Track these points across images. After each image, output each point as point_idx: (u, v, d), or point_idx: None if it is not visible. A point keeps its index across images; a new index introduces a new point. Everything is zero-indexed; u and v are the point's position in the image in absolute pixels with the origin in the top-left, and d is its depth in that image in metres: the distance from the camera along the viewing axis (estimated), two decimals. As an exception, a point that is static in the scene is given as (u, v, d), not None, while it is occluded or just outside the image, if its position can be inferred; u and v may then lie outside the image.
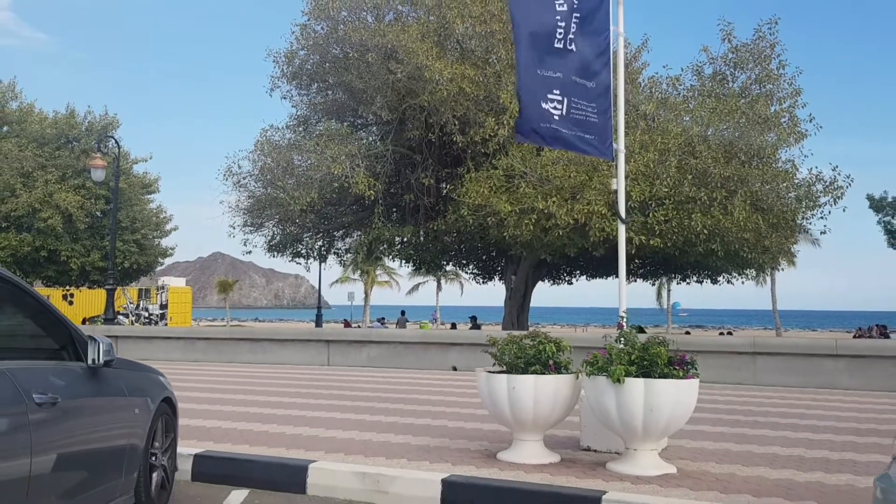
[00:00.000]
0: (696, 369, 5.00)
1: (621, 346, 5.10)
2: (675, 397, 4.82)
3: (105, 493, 3.83)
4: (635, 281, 27.55)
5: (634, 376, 4.85)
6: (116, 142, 21.57)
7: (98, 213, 34.93)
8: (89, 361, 3.84)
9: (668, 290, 50.40)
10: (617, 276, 6.47)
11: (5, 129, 35.89)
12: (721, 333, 38.09)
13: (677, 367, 4.92)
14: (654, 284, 41.27)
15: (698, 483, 4.77)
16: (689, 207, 16.69)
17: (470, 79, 18.28)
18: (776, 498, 4.42)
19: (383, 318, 43.26)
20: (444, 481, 4.78)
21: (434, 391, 10.16)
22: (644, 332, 14.86)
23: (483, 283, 27.65)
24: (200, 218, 33.44)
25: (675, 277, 29.06)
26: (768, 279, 42.47)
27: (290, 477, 5.18)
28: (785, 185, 17.88)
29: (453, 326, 38.45)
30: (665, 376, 4.86)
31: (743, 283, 24.53)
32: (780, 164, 18.45)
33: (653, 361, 4.86)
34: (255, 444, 6.01)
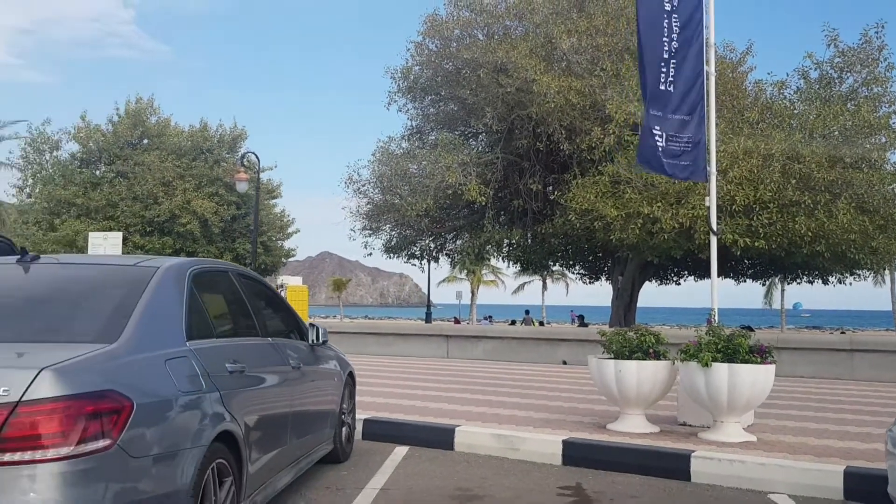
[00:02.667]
0: (772, 357, 6.06)
1: (709, 337, 6.21)
2: (753, 379, 5.91)
3: (320, 437, 5.30)
4: (744, 281, 27.71)
5: (720, 362, 5.96)
6: (256, 157, 23.84)
7: (229, 218, 37.75)
8: (310, 341, 5.34)
9: (782, 291, 49.49)
10: (725, 277, 7.60)
11: (146, 141, 39.33)
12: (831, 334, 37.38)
13: (756, 355, 6.00)
14: (763, 284, 40.88)
15: (772, 448, 5.86)
16: (793, 210, 17.20)
17: (576, 90, 19.33)
18: (835, 458, 5.45)
19: (490, 317, 44.62)
20: (564, 441, 6.05)
21: (547, 381, 11.39)
22: (753, 331, 15.55)
23: (589, 283, 28.53)
24: (310, 220, 35.77)
25: (785, 278, 29.04)
26: (887, 279, 41.25)
27: (441, 437, 6.57)
28: (892, 187, 18.05)
29: (541, 324, 39.46)
30: (746, 362, 5.95)
31: (850, 283, 24.41)
32: (888, 167, 18.61)
33: (735, 350, 5.96)
34: (407, 413, 7.46)
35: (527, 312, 37.34)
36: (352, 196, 24.73)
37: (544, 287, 55.95)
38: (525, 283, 61.59)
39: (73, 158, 38.44)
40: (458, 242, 26.80)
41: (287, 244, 41.70)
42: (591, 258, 27.02)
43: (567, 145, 19.91)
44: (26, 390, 2.50)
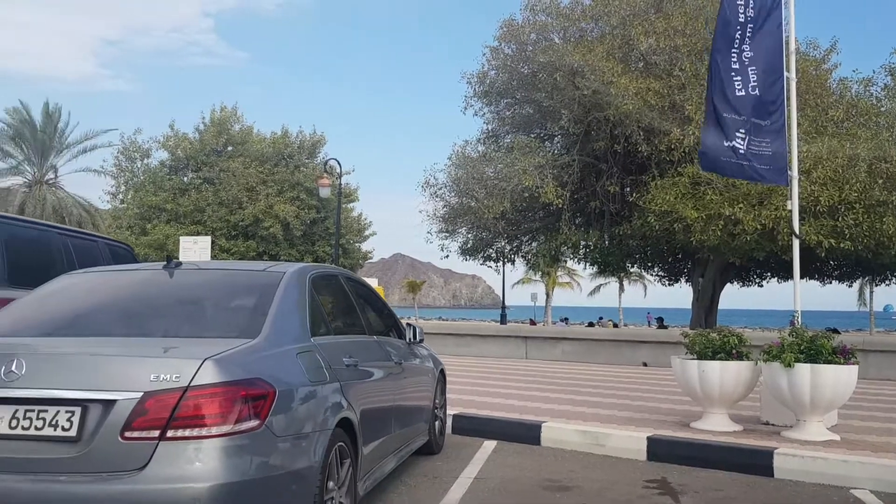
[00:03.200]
0: (855, 358, 6.15)
1: (792, 338, 6.34)
2: (835, 379, 6.02)
3: (417, 429, 5.69)
4: (830, 283, 27.01)
5: (803, 362, 6.09)
6: (338, 163, 24.61)
7: (309, 221, 38.84)
8: (407, 339, 5.74)
9: (870, 293, 47.80)
10: (810, 279, 7.70)
11: (230, 148, 40.83)
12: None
13: (839, 356, 6.11)
14: (850, 286, 39.62)
15: (855, 446, 5.95)
16: (881, 211, 16.80)
17: (655, 91, 19.31)
18: (921, 458, 5.53)
19: (566, 319, 44.55)
20: (649, 438, 6.29)
21: (628, 382, 11.54)
22: (838, 333, 15.29)
23: (669, 284, 28.30)
24: (382, 222, 36.56)
25: (874, 279, 28.16)
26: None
27: (527, 432, 6.89)
28: None
29: (615, 326, 39.24)
30: (829, 363, 6.06)
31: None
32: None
33: (818, 351, 6.08)
34: (493, 410, 7.80)
35: (600, 318, 37.25)
36: (428, 199, 25.22)
37: (621, 289, 55.46)
38: (601, 284, 61.18)
39: (163, 166, 40.25)
40: (534, 244, 26.99)
41: (364, 246, 42.71)
42: (670, 260, 26.80)
43: (645, 146, 19.90)
44: (193, 377, 2.95)
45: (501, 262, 28.92)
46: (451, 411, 7.45)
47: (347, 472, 3.84)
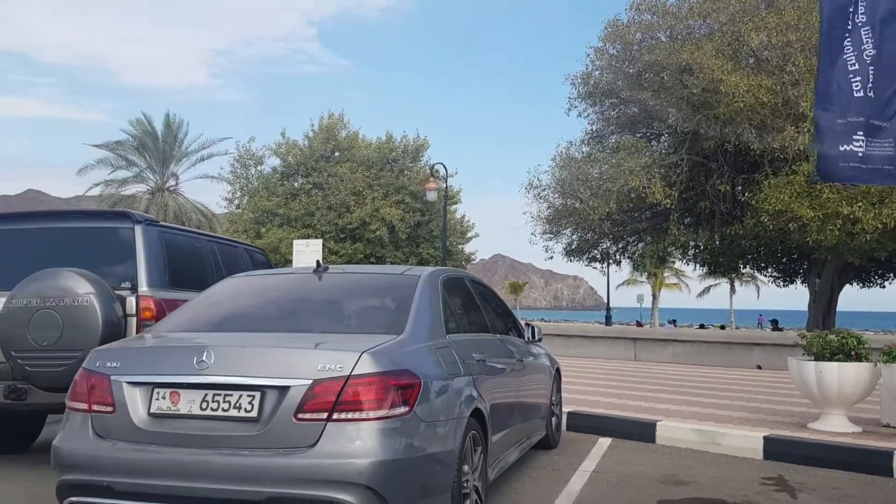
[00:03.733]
0: None
1: (916, 340, 6.27)
2: (963, 381, 5.92)
3: (536, 423, 6.00)
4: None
5: (927, 364, 6.02)
6: (444, 167, 25.20)
7: (414, 224, 39.70)
8: (526, 338, 6.06)
9: None
10: None
11: (337, 154, 42.21)
12: None
13: (968, 358, 6.00)
14: None
15: None
16: None
17: (766, 88, 18.84)
18: None
19: (674, 321, 43.69)
20: (765, 437, 6.36)
21: (742, 384, 11.45)
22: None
23: (783, 286, 27.42)
24: (482, 223, 36.86)
25: None
26: None
27: (642, 430, 7.07)
28: None
29: (721, 327, 38.08)
30: (957, 364, 5.97)
31: None
32: None
33: (944, 352, 6.00)
34: (608, 408, 8.01)
35: (673, 322, 36.35)
36: (532, 201, 25.41)
37: (732, 290, 53.81)
38: (711, 286, 59.50)
39: (275, 172, 42.08)
40: (641, 245, 26.74)
41: (466, 248, 43.28)
42: (784, 260, 25.98)
43: (757, 144, 19.44)
44: (354, 367, 3.37)
45: (606, 264, 28.77)
46: (565, 409, 7.71)
47: (479, 458, 4.19)
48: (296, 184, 41.72)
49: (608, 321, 38.56)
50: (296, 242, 23.91)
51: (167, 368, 3.54)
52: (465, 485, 3.91)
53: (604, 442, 6.98)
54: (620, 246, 26.85)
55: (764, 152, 19.54)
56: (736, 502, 4.95)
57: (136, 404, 3.51)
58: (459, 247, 42.26)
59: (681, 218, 23.18)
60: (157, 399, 3.50)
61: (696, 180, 22.85)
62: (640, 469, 5.90)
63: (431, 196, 23.54)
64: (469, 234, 42.62)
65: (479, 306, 5.29)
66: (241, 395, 3.42)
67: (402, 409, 3.42)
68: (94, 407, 3.57)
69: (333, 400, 3.32)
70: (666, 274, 56.25)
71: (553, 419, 6.65)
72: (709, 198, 22.06)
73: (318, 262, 4.72)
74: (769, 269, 27.56)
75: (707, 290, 63.75)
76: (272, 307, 4.40)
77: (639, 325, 41.51)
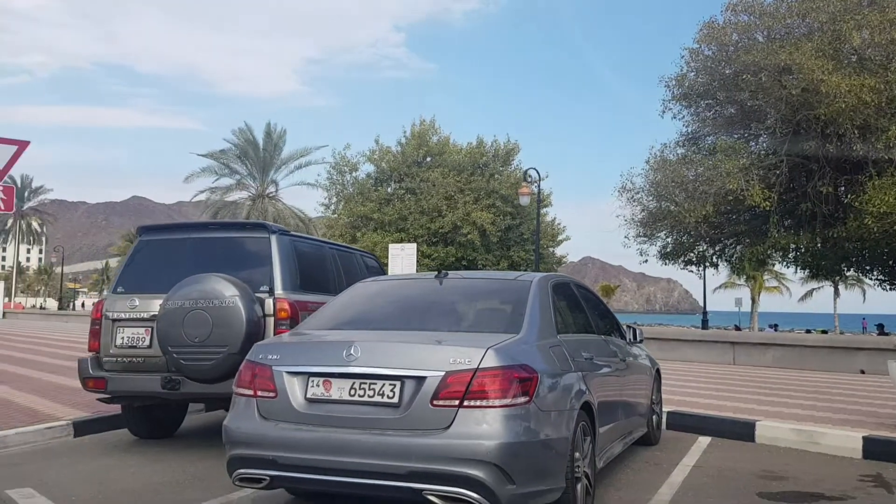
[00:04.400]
0: None
1: None
2: None
3: (638, 420, 6.35)
4: None
5: None
6: (537, 172, 25.52)
7: (505, 227, 40.07)
8: (628, 339, 6.42)
9: None
10: None
11: (429, 159, 43.06)
12: None
13: None
14: None
15: None
16: None
17: (870, 87, 18.38)
18: None
19: (776, 325, 42.50)
20: (865, 438, 6.51)
21: (842, 388, 11.37)
22: None
23: (890, 289, 26.42)
24: (571, 225, 36.84)
25: None
26: None
27: (741, 429, 7.30)
28: None
29: (810, 331, 36.75)
30: None
31: None
32: None
33: None
34: (706, 409, 8.25)
35: (774, 326, 35.22)
36: (625, 204, 25.40)
37: (836, 294, 51.73)
38: (813, 289, 57.34)
39: (369, 178, 43.29)
40: (739, 248, 26.32)
41: (557, 251, 43.36)
42: (891, 263, 25.06)
43: (861, 145, 18.97)
44: (480, 361, 3.86)
45: (703, 267, 28.39)
46: (665, 409, 8.00)
47: (589, 447, 4.61)
48: (389, 189, 42.81)
49: (705, 325, 37.94)
50: (391, 246, 24.75)
51: (320, 360, 4.13)
52: (577, 469, 4.34)
53: (703, 440, 7.25)
54: (717, 249, 26.48)
55: (868, 153, 19.05)
56: (833, 496, 5.18)
57: (295, 391, 4.11)
58: (550, 250, 42.41)
59: (781, 220, 22.74)
60: (313, 386, 4.09)
61: (796, 182, 22.39)
62: (739, 465, 6.17)
63: (525, 201, 23.91)
64: (560, 238, 42.72)
65: (584, 309, 5.71)
66: (383, 384, 3.96)
67: (523, 399, 3.89)
68: (259, 392, 4.19)
69: (464, 389, 3.81)
70: (766, 277, 54.59)
71: (654, 417, 6.98)
72: (810, 199, 21.58)
73: (438, 268, 5.24)
74: (874, 272, 26.61)
75: (809, 293, 61.41)
76: (403, 308, 4.96)
77: (737, 329, 40.59)
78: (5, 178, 10.68)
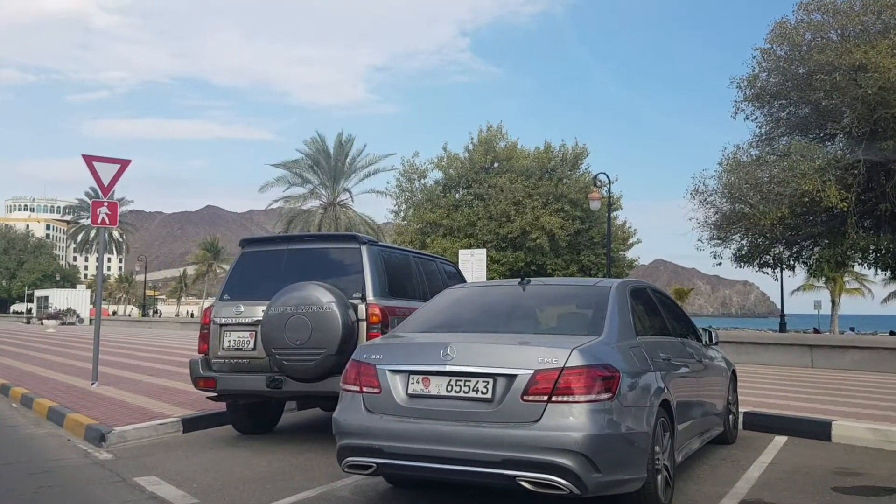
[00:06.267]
0: None
1: None
2: None
3: (714, 419, 6.60)
4: None
5: None
6: (607, 177, 25.63)
7: (574, 232, 40.05)
8: (703, 342, 6.68)
9: None
10: None
11: (496, 165, 43.37)
12: None
13: None
14: None
15: None
16: None
17: (952, 83, 17.95)
18: None
19: (853, 328, 41.29)
20: (943, 437, 6.59)
21: (925, 390, 11.25)
22: None
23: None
24: (641, 228, 36.38)
25: None
26: None
27: (817, 429, 7.46)
28: None
29: (894, 332, 35.43)
30: None
31: None
32: None
33: None
34: (782, 409, 8.39)
35: (851, 329, 34.14)
36: (698, 206, 25.29)
37: (921, 295, 49.81)
38: (896, 291, 55.30)
39: (437, 184, 43.91)
40: (816, 249, 25.85)
41: (628, 255, 43.09)
42: (979, 263, 24.26)
43: (946, 142, 18.54)
44: (566, 361, 4.23)
45: (780, 269, 27.94)
46: (741, 409, 8.18)
47: (668, 442, 4.92)
48: (457, 195, 43.34)
49: (782, 328, 37.17)
50: (461, 252, 25.21)
51: (420, 360, 4.57)
52: (657, 461, 4.66)
53: (779, 440, 7.42)
54: (794, 251, 26.07)
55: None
56: (910, 492, 5.35)
57: (397, 387, 4.56)
58: (621, 253, 42.22)
59: (859, 221, 22.31)
60: (413, 383, 4.53)
61: (874, 181, 21.94)
62: (814, 462, 6.35)
63: (595, 205, 24.09)
64: (631, 241, 42.48)
65: (660, 312, 6.01)
66: (478, 381, 4.37)
67: (606, 395, 4.24)
68: (365, 389, 4.66)
69: (551, 386, 4.19)
70: (846, 279, 52.95)
71: (730, 417, 7.20)
72: (889, 200, 21.15)
73: (521, 275, 5.65)
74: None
75: (893, 294, 59.25)
76: (491, 312, 5.37)
77: (816, 332, 39.59)
78: (110, 193, 11.59)
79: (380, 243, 7.65)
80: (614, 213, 42.33)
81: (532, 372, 4.24)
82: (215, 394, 7.22)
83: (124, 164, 11.59)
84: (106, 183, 11.31)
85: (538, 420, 4.17)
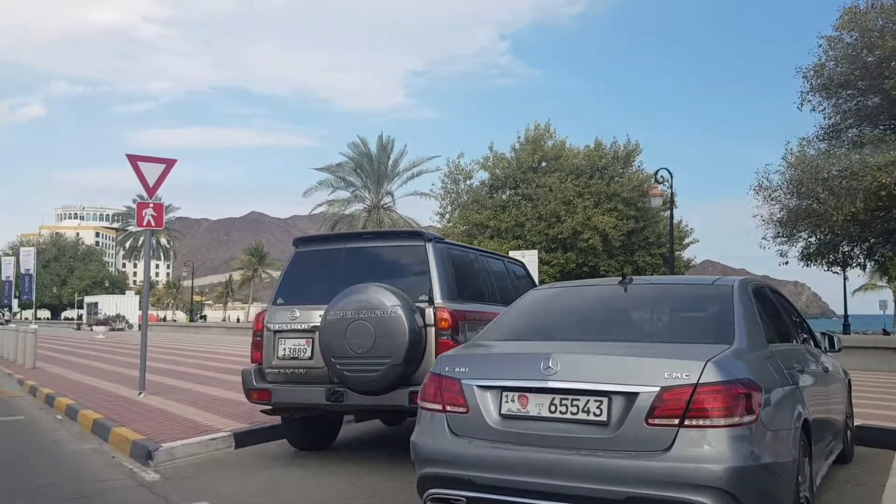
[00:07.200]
0: None
1: None
2: None
3: (838, 436, 5.72)
4: None
5: None
6: (669, 173, 24.46)
7: (628, 231, 38.78)
8: (823, 347, 5.82)
9: None
10: None
11: (544, 164, 42.31)
12: None
13: None
14: None
15: None
16: None
17: None
18: None
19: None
20: None
21: None
22: None
23: None
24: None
25: None
26: None
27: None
28: None
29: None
30: None
31: None
32: None
33: None
34: (885, 420, 7.46)
35: None
36: (762, 203, 24.12)
37: None
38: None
39: (483, 185, 43.06)
40: (889, 246, 24.44)
41: (684, 254, 41.69)
42: None
43: None
44: (700, 376, 3.45)
45: (845, 268, 26.53)
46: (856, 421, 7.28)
47: (807, 469, 4.11)
48: (504, 196, 42.43)
49: (846, 330, 35.50)
50: (511, 253, 24.43)
51: (515, 374, 3.83)
52: (801, 495, 3.86)
53: (903, 458, 6.51)
54: (864, 248, 24.69)
55: None
56: None
57: (488, 406, 3.83)
58: (677, 253, 40.87)
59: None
60: (507, 401, 3.80)
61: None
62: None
63: (656, 202, 23.09)
64: (686, 241, 41.11)
65: (781, 315, 5.18)
66: (588, 400, 3.62)
67: (750, 418, 3.45)
68: (448, 407, 3.94)
69: (683, 407, 3.41)
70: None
71: (847, 432, 6.32)
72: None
73: (622, 274, 4.87)
74: None
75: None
76: (590, 317, 4.57)
77: (886, 333, 37.79)
78: (155, 194, 11.09)
79: (446, 241, 6.91)
80: (668, 212, 41.05)
81: (658, 389, 3.47)
82: (270, 407, 6.57)
83: (170, 163, 11.12)
84: (151, 183, 10.83)
85: (668, 449, 3.40)
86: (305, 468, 6.32)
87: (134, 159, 10.73)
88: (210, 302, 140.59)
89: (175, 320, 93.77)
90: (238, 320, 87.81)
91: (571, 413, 3.64)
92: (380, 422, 8.11)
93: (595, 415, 3.59)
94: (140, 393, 10.27)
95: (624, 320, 4.50)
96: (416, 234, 6.69)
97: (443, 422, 3.94)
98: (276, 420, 7.15)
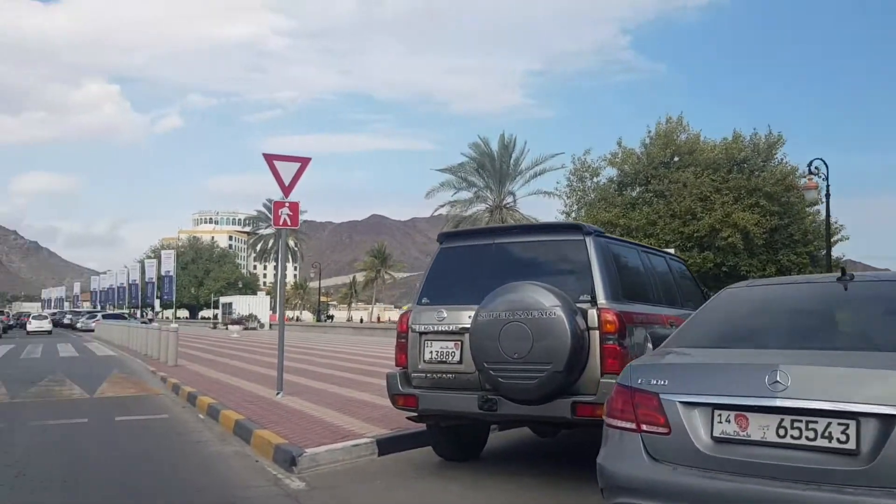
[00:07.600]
0: None
1: None
2: None
3: None
4: None
5: None
6: (824, 163, 22.34)
7: (770, 228, 36.26)
8: None
9: None
10: None
11: (677, 159, 40.27)
12: None
13: None
14: None
15: None
16: None
17: None
18: None
19: None
20: None
21: None
22: None
23: None
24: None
25: None
26: None
27: None
28: None
29: None
30: None
31: None
32: None
33: None
34: None
35: None
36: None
37: None
38: None
39: (611, 182, 41.54)
40: None
41: (834, 253, 38.60)
42: None
43: None
44: None
45: None
46: None
47: None
48: (634, 193, 40.77)
49: None
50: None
51: (731, 388, 3.14)
52: None
53: None
54: None
55: None
56: None
57: (696, 427, 3.17)
58: (823, 252, 37.92)
59: None
60: (720, 422, 3.13)
61: None
62: None
63: (810, 195, 21.29)
64: (836, 238, 38.03)
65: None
66: (828, 423, 2.90)
67: None
68: (644, 427, 3.31)
69: None
70: None
71: None
72: None
73: (842, 269, 4.04)
74: None
75: None
76: (812, 322, 3.77)
77: None
78: (291, 193, 10.99)
79: (606, 234, 6.23)
80: (816, 208, 38.04)
81: None
82: (416, 414, 6.12)
83: (304, 161, 11.03)
84: (287, 182, 10.74)
85: None
86: (457, 481, 5.82)
87: (270, 158, 10.68)
88: (335, 302, 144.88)
89: (300, 319, 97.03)
90: (361, 321, 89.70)
91: (807, 438, 2.93)
92: (528, 430, 7.55)
93: (840, 441, 2.87)
94: (278, 393, 10.18)
95: (853, 325, 3.70)
96: (575, 227, 6.05)
97: (638, 443, 3.32)
98: (419, 426, 6.71)
